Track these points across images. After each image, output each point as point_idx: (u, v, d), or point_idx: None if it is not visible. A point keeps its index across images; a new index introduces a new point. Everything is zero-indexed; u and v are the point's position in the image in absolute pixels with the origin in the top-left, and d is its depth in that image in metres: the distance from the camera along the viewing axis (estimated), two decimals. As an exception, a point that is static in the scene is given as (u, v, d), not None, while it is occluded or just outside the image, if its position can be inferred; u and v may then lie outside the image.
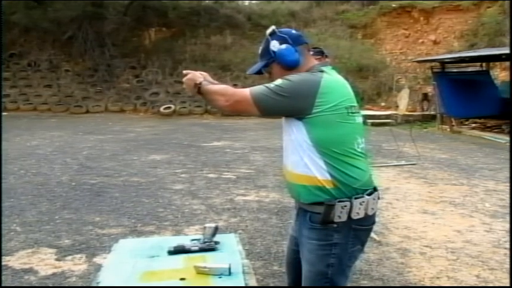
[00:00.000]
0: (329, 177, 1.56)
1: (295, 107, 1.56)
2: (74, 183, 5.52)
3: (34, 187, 5.33)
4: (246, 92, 1.59)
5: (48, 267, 3.15)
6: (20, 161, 6.84)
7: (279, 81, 1.58)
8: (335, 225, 1.57)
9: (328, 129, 1.56)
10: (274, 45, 1.65)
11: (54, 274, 3.05)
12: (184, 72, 1.74)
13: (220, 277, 1.51)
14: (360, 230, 1.64)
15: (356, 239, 1.65)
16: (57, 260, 3.28)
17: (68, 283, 2.93)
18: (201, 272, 1.53)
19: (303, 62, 1.66)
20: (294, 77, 1.59)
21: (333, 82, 1.61)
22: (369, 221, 1.65)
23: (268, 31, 1.70)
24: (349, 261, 1.66)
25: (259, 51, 1.72)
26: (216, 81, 1.73)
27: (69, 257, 3.31)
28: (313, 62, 1.72)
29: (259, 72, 1.73)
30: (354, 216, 1.58)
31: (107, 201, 4.78)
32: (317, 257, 1.61)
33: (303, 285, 1.68)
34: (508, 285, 2.93)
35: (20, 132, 9.88)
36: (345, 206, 1.55)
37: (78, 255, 3.34)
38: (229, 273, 1.53)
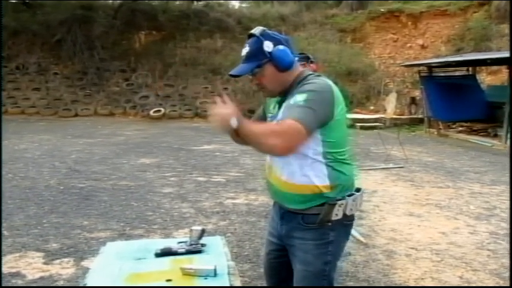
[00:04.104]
0: (328, 182, 1.61)
1: (327, 115, 1.56)
2: (62, 187, 5.50)
3: (22, 191, 5.30)
4: (295, 124, 1.47)
5: (36, 271, 3.15)
6: (8, 164, 6.77)
7: (304, 97, 1.52)
8: (330, 224, 1.62)
9: (341, 131, 1.64)
10: (268, 45, 1.61)
11: (41, 278, 3.05)
12: (214, 105, 1.51)
13: (206, 278, 1.54)
14: (348, 225, 1.73)
15: (346, 234, 1.74)
16: (44, 263, 3.27)
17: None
18: (187, 273, 1.56)
19: (295, 64, 1.67)
20: (312, 86, 1.56)
21: (334, 85, 1.65)
22: (354, 216, 1.73)
23: (258, 31, 1.65)
24: (340, 257, 1.75)
25: (247, 51, 1.65)
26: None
27: (57, 261, 3.31)
28: (299, 65, 1.74)
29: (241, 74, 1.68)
30: (348, 212, 1.65)
31: (95, 205, 4.77)
32: (314, 257, 1.64)
33: (296, 285, 1.70)
34: (508, 285, 3.00)
35: (8, 136, 9.76)
36: (342, 204, 1.62)
37: (66, 259, 3.34)
38: (215, 275, 1.56)
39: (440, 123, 11.57)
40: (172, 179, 6.02)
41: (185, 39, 16.97)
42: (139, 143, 9.25)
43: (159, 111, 14.12)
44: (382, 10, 17.88)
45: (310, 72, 1.70)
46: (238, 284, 1.54)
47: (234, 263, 1.72)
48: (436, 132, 11.41)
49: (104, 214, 4.45)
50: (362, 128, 11.74)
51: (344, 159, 1.66)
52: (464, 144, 9.85)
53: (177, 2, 19.43)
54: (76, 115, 14.48)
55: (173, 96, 15.15)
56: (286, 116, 1.53)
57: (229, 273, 1.59)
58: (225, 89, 14.67)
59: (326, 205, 1.60)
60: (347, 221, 1.68)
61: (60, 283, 2.98)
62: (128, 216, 4.39)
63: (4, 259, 3.31)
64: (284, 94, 1.67)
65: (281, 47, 1.62)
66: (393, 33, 17.41)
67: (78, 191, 5.32)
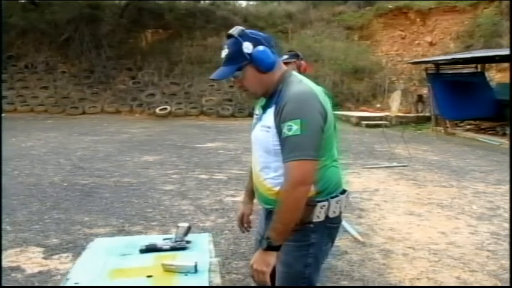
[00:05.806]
0: (313, 189, 1.56)
1: (321, 126, 1.53)
2: (65, 184, 5.56)
3: (26, 187, 5.37)
4: (303, 165, 1.48)
5: (35, 266, 3.20)
6: (14, 161, 6.87)
7: (296, 122, 1.47)
8: (312, 225, 1.58)
9: (328, 137, 1.57)
10: (248, 47, 1.55)
11: (40, 272, 3.10)
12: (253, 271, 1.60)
13: (186, 275, 1.55)
14: (332, 228, 1.68)
15: (329, 237, 1.69)
16: (44, 258, 3.33)
17: (53, 281, 2.97)
18: (168, 269, 1.57)
19: (277, 64, 1.61)
20: (297, 103, 1.50)
21: (318, 88, 1.61)
22: (339, 218, 1.69)
23: (236, 32, 1.58)
24: (323, 259, 1.70)
25: (226, 53, 1.59)
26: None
27: (56, 256, 3.36)
28: (282, 65, 1.69)
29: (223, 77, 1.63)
30: (331, 215, 1.60)
31: (96, 201, 4.82)
32: (294, 258, 1.60)
33: (277, 285, 1.68)
34: (508, 285, 2.97)
35: (15, 134, 9.91)
36: (324, 206, 1.58)
37: (65, 254, 3.39)
38: (195, 271, 1.57)
39: (447, 121, 11.45)
40: (174, 176, 6.05)
41: (191, 37, 17.04)
42: (144, 141, 9.31)
43: (165, 109, 14.21)
44: (390, 7, 17.75)
45: (294, 73, 1.65)
46: (218, 280, 1.55)
47: (217, 260, 1.72)
48: (443, 131, 11.30)
49: (104, 210, 4.49)
50: (368, 126, 11.69)
51: (330, 163, 1.61)
52: (472, 143, 9.74)
53: (184, 1, 19.48)
54: (83, 113, 14.65)
55: (179, 94, 15.23)
56: (288, 157, 1.50)
57: (209, 270, 1.60)
58: (231, 87, 14.71)
59: (305, 206, 1.55)
60: (330, 224, 1.64)
61: (58, 278, 3.01)
62: (128, 212, 4.43)
63: (5, 253, 3.36)
64: (269, 96, 1.62)
65: (261, 47, 1.56)
66: (401, 30, 17.28)
67: (80, 188, 5.37)
